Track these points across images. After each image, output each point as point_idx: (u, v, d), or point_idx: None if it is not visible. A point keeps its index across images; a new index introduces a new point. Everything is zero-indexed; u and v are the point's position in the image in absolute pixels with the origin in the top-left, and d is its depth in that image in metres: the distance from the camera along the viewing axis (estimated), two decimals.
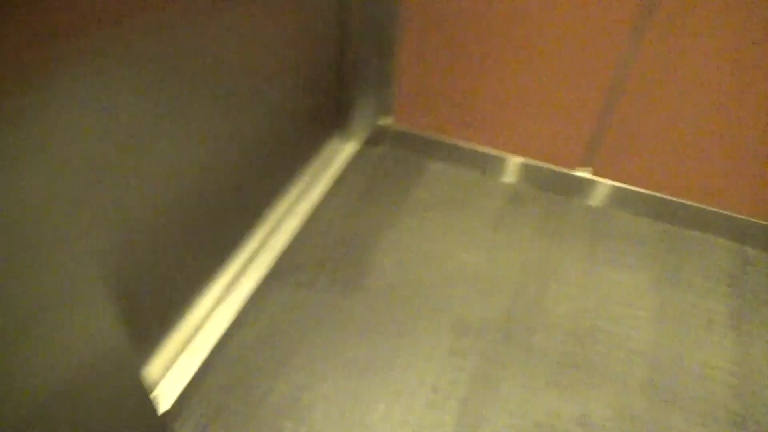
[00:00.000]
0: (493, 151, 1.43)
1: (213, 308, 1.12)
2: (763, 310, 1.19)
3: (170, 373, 1.02)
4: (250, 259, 1.22)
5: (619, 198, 1.37)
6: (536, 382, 1.06)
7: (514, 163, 1.42)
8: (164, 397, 0.98)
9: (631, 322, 1.16)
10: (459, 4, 1.21)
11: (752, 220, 1.29)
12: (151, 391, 0.87)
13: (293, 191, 1.36)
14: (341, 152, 1.50)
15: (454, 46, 1.28)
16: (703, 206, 1.32)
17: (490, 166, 1.45)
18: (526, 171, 1.42)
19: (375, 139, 1.51)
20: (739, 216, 1.30)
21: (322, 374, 1.05)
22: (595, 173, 1.36)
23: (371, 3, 1.26)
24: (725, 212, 1.31)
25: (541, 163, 1.40)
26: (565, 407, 1.02)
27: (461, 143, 1.44)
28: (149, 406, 0.88)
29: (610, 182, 1.36)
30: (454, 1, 1.21)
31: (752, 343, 1.13)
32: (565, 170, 1.39)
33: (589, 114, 1.27)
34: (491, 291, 1.20)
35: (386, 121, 1.49)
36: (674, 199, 1.33)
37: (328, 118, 1.43)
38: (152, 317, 0.98)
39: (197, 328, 1.09)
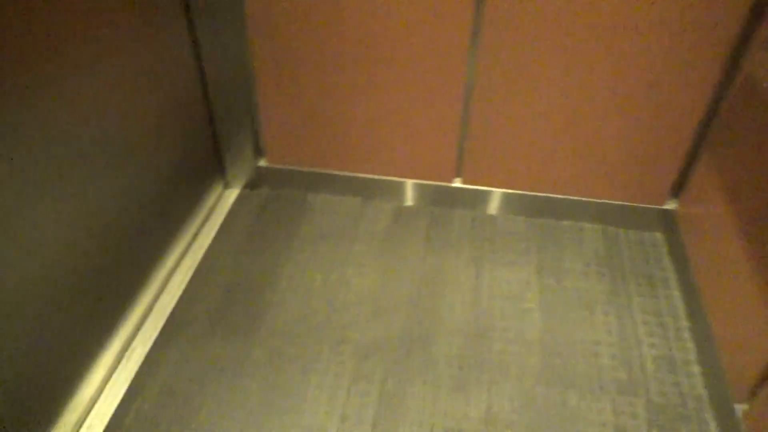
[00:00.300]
0: (372, 176, 1.47)
1: (104, 382, 1.07)
2: (633, 282, 1.30)
3: None
4: (140, 324, 1.17)
5: (495, 202, 1.46)
6: (441, 389, 1.09)
7: (394, 183, 1.47)
8: None
9: (521, 315, 1.23)
10: (304, 40, 1.25)
11: (612, 202, 1.42)
12: None
13: (178, 246, 1.33)
14: (223, 200, 1.48)
15: (309, 81, 1.32)
16: (569, 197, 1.42)
17: (371, 190, 1.49)
18: (408, 190, 1.48)
19: (255, 181, 1.51)
20: (601, 201, 1.42)
21: (229, 426, 1.02)
22: (465, 182, 1.44)
23: (223, 53, 1.28)
24: (589, 199, 1.42)
25: (420, 181, 1.46)
26: (471, 408, 1.06)
27: (339, 172, 1.48)
28: None
29: (483, 188, 1.44)
30: (300, 37, 1.25)
31: (628, 314, 1.23)
32: (443, 184, 1.45)
33: (452, 128, 1.34)
34: (388, 310, 1.23)
35: (262, 162, 1.50)
36: (543, 195, 1.43)
37: (204, 170, 1.42)
38: (34, 409, 0.92)
39: (88, 409, 1.03)
